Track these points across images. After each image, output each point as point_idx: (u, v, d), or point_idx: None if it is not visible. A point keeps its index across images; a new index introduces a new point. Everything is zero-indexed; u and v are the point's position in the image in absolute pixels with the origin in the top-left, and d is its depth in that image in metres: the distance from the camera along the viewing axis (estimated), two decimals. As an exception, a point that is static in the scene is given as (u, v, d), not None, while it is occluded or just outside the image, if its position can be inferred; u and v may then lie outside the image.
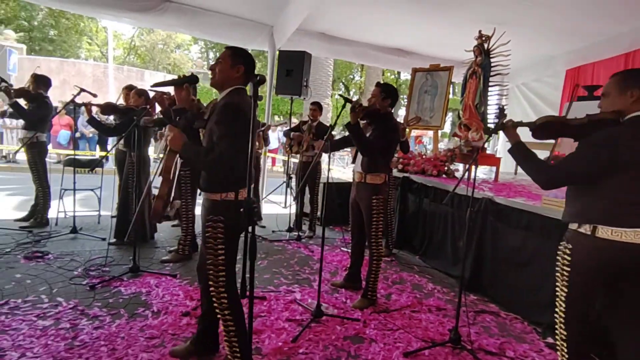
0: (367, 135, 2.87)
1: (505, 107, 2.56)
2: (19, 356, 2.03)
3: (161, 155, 1.88)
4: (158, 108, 2.67)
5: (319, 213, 5.37)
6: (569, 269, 1.73)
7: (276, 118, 17.57)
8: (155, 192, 1.89)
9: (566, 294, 1.75)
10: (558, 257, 1.79)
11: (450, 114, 17.53)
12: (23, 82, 4.32)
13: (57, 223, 4.35)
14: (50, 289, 2.83)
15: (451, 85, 6.25)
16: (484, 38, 4.55)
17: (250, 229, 1.48)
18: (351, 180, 3.16)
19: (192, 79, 1.89)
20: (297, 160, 5.12)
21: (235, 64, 1.89)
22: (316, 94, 10.96)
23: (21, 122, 4.32)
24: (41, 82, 4.05)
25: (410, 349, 2.44)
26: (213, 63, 1.93)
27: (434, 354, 2.40)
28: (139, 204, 3.42)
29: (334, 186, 5.25)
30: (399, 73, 22.62)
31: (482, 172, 6.05)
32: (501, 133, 2.20)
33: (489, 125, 4.32)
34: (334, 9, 5.06)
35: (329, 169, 2.81)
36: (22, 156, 5.31)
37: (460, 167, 5.08)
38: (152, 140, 4.46)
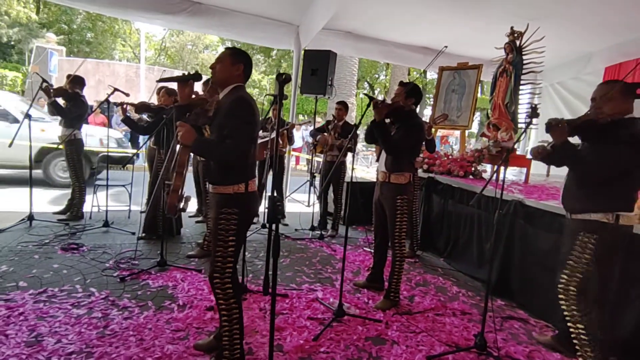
0: (392, 133, 2.84)
1: (537, 106, 2.45)
2: (55, 342, 2.14)
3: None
4: None
5: (342, 212, 5.37)
6: (591, 258, 1.98)
7: (300, 117, 17.68)
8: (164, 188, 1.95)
9: (579, 280, 2.03)
10: (577, 249, 2.02)
11: (478, 114, 17.06)
12: (62, 83, 4.55)
13: (90, 217, 4.55)
14: (84, 280, 2.97)
15: (480, 84, 6.08)
16: (516, 34, 4.39)
17: (274, 226, 1.49)
18: (375, 179, 3.13)
19: (197, 77, 1.95)
20: (321, 159, 5.13)
21: (235, 63, 1.95)
22: (340, 93, 10.93)
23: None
24: (77, 82, 4.26)
25: (434, 352, 2.39)
26: (213, 62, 1.99)
27: (458, 359, 2.34)
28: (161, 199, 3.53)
29: (357, 186, 5.23)
30: (425, 72, 22.21)
31: (512, 173, 5.84)
32: (532, 133, 2.22)
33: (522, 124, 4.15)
34: (360, 7, 5.03)
35: (352, 169, 2.79)
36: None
37: (488, 168, 4.94)
38: None
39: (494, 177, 3.19)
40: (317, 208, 4.97)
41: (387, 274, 3.14)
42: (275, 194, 1.48)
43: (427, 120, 4.19)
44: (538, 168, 5.69)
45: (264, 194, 5.10)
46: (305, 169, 10.95)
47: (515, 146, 4.45)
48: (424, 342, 2.50)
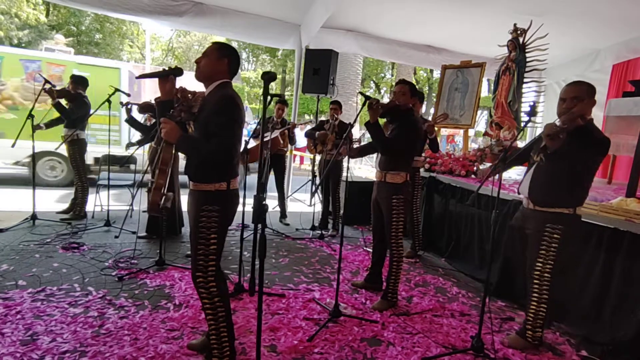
0: (388, 133, 2.81)
1: (536, 104, 2.41)
2: (50, 340, 2.16)
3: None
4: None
5: (342, 212, 5.35)
6: (558, 245, 2.26)
7: (306, 117, 17.68)
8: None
9: (551, 266, 2.30)
10: (545, 238, 2.28)
11: (485, 112, 16.88)
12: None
13: (93, 216, 4.60)
14: (83, 279, 2.99)
15: (485, 82, 6.00)
16: (519, 32, 4.33)
17: (259, 227, 1.48)
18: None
19: (177, 71, 1.92)
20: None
21: (220, 57, 1.92)
22: (345, 93, 10.90)
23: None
24: (79, 82, 4.30)
25: (429, 354, 2.36)
26: (199, 57, 1.95)
27: (454, 361, 2.31)
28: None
29: (357, 185, 5.21)
30: (431, 71, 22.07)
31: (516, 172, 5.76)
32: (529, 131, 2.24)
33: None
34: (361, 5, 4.99)
35: (347, 168, 2.77)
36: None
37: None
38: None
39: (493, 176, 3.14)
40: (318, 208, 4.95)
41: (386, 274, 3.11)
42: (261, 193, 1.46)
43: (431, 119, 4.15)
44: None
45: (265, 192, 5.11)
46: (310, 168, 10.93)
47: (518, 144, 4.37)
48: (420, 344, 2.47)
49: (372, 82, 25.26)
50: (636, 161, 3.04)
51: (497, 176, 2.34)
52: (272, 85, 21.87)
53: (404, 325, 2.69)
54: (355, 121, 2.68)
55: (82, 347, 2.12)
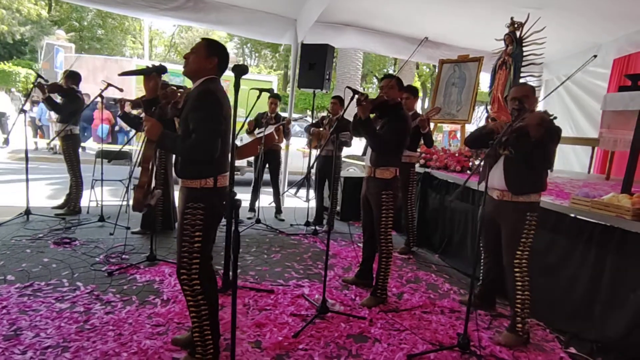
0: (378, 128, 2.78)
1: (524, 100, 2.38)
2: (34, 336, 2.16)
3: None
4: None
5: (338, 207, 5.33)
6: (534, 232, 2.41)
7: (308, 112, 17.63)
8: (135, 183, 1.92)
9: (528, 253, 2.43)
10: (526, 226, 2.40)
11: (482, 107, 16.72)
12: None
13: (88, 211, 4.61)
14: (72, 274, 2.99)
15: (487, 77, 5.91)
16: (516, 25, 4.25)
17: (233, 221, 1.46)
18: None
19: (161, 69, 1.89)
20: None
21: (209, 55, 1.89)
22: (345, 88, 10.82)
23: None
24: (72, 77, 4.29)
25: (415, 351, 2.34)
26: (188, 52, 1.93)
27: (440, 358, 2.29)
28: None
29: (352, 181, 5.18)
30: (435, 66, 21.88)
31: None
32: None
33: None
34: (357, -1, 4.94)
35: (334, 163, 2.74)
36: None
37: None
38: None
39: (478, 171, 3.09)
40: (313, 204, 4.93)
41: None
42: (233, 189, 1.44)
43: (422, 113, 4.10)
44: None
45: (259, 188, 5.09)
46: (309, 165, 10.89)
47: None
48: (407, 340, 2.45)
49: (374, 77, 25.10)
50: (632, 157, 2.98)
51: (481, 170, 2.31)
52: (275, 81, 21.79)
53: (392, 322, 2.67)
54: (342, 116, 2.64)
55: (65, 342, 2.12)
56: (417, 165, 4.56)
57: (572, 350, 2.45)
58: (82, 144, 9.40)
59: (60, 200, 4.78)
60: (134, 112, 4.57)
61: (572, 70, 6.39)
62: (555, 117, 2.26)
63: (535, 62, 4.32)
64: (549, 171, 2.60)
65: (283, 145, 5.40)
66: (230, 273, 2.48)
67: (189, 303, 1.98)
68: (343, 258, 3.90)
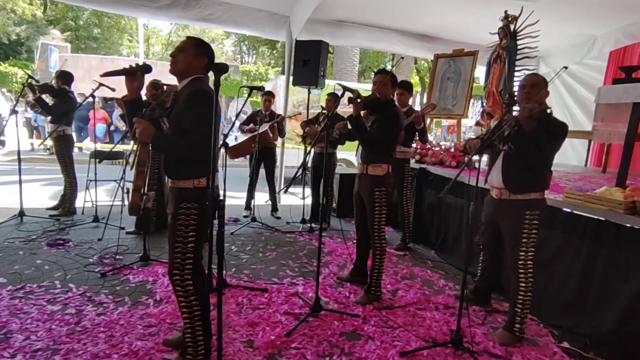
0: (369, 125, 2.75)
1: (516, 93, 2.35)
2: (24, 339, 2.15)
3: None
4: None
5: (334, 204, 5.32)
6: (537, 232, 2.33)
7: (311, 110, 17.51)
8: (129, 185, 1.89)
9: (533, 252, 2.35)
10: (526, 225, 2.32)
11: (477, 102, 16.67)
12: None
13: (83, 212, 4.59)
14: (65, 275, 2.98)
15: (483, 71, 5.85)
16: (510, 19, 4.22)
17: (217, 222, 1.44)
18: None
19: (145, 68, 1.85)
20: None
21: (198, 55, 1.88)
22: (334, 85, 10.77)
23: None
24: (64, 77, 4.26)
25: (409, 348, 2.33)
26: (175, 50, 1.90)
27: (433, 355, 2.28)
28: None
29: (350, 177, 5.15)
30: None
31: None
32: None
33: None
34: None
35: (324, 161, 2.72)
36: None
37: (485, 158, 4.79)
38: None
39: (474, 166, 3.07)
40: (309, 201, 4.91)
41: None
42: (215, 189, 1.42)
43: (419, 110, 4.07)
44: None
45: (255, 186, 5.08)
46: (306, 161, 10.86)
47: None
48: (401, 338, 2.44)
49: (372, 73, 24.99)
50: (626, 150, 2.96)
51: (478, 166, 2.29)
52: (273, 77, 21.68)
53: (385, 319, 2.66)
54: (332, 113, 2.62)
55: (55, 345, 2.11)
56: (412, 161, 4.55)
57: (566, 344, 2.44)
58: (80, 145, 9.47)
59: (55, 202, 4.77)
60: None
61: (570, 63, 6.40)
62: (550, 110, 2.21)
63: (529, 56, 4.29)
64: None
65: (278, 142, 5.38)
66: (214, 271, 2.45)
67: (181, 304, 1.97)
68: (338, 255, 3.88)
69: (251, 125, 4.81)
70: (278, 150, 5.53)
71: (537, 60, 6.52)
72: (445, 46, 5.91)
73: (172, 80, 1.98)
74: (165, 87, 2.33)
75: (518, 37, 4.21)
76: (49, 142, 4.19)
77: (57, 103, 4.19)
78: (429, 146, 4.62)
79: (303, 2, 5.04)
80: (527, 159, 2.27)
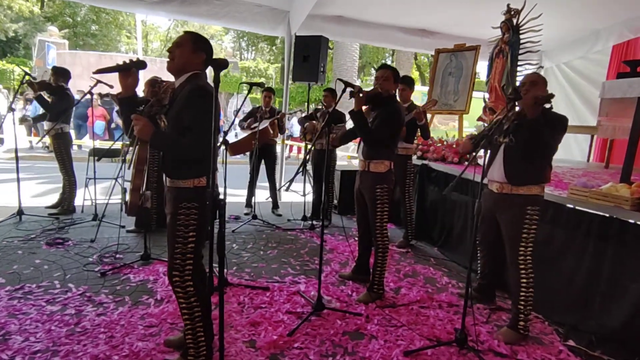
0: (370, 120, 2.71)
1: (519, 88, 2.31)
2: (23, 340, 2.12)
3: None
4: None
5: (335, 201, 5.28)
6: (537, 227, 2.33)
7: (312, 106, 17.48)
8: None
9: (532, 248, 2.35)
10: (527, 221, 2.32)
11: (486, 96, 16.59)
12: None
13: (82, 210, 4.55)
14: (64, 275, 2.95)
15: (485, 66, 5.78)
16: (512, 13, 4.16)
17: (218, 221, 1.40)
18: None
19: (140, 64, 1.80)
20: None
21: (196, 50, 1.83)
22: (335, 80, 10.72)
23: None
24: (61, 74, 4.20)
25: (413, 347, 2.31)
26: (172, 46, 1.85)
27: (437, 354, 2.25)
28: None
29: (352, 174, 5.11)
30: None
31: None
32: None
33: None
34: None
35: (327, 157, 2.68)
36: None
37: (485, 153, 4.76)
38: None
39: (475, 163, 3.04)
40: (310, 198, 4.88)
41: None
42: (215, 188, 1.38)
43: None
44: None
45: (255, 183, 5.04)
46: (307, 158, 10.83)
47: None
48: (404, 337, 2.42)
49: (372, 68, 24.90)
50: (630, 146, 2.92)
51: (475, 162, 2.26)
52: (272, 74, 21.60)
53: (388, 318, 2.63)
54: (333, 109, 2.58)
55: (54, 346, 2.08)
56: (414, 157, 4.51)
57: (571, 342, 2.42)
58: (79, 142, 9.41)
59: (54, 200, 4.73)
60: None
61: (571, 57, 6.33)
62: (550, 106, 2.19)
63: (532, 50, 4.24)
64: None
65: (279, 139, 5.34)
66: (215, 271, 2.42)
67: (181, 305, 1.93)
68: (340, 253, 3.85)
69: (251, 119, 4.76)
70: (278, 147, 5.50)
71: (540, 54, 6.46)
72: (445, 41, 5.85)
73: (172, 77, 1.94)
74: (163, 83, 2.29)
75: (521, 31, 4.15)
76: (47, 140, 4.14)
77: (55, 101, 4.14)
78: (431, 142, 4.57)
79: (302, -3, 4.98)
80: (528, 150, 2.25)
